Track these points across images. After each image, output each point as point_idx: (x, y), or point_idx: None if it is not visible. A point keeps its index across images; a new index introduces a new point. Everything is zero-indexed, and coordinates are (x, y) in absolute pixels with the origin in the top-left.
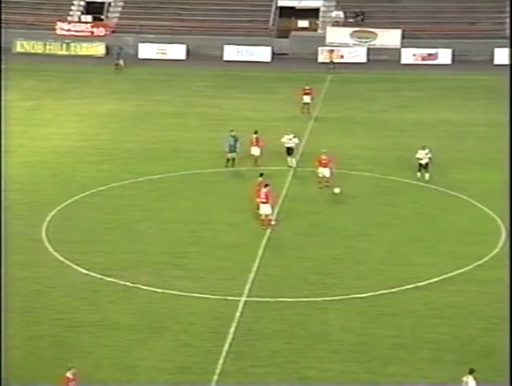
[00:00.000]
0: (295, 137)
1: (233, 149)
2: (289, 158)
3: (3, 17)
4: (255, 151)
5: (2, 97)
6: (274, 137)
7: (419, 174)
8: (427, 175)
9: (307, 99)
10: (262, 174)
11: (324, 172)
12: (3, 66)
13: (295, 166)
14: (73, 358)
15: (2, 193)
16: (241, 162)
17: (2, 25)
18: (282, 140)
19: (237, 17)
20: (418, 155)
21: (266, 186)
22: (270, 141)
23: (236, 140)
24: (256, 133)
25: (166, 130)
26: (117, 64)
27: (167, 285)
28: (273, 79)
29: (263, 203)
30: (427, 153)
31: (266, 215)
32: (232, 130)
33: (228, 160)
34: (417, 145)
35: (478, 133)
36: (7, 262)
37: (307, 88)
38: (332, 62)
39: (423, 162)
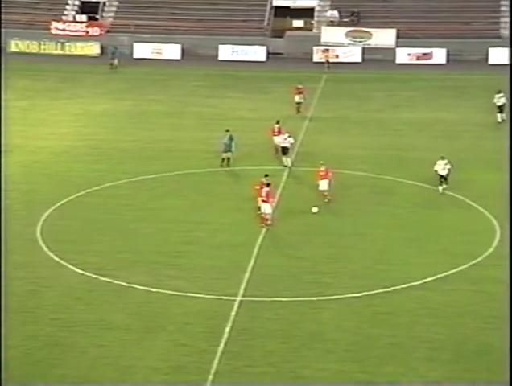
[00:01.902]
0: (289, 136)
1: (228, 149)
2: (284, 158)
3: None
4: (278, 141)
5: (2, 97)
6: (269, 137)
7: (440, 189)
8: (443, 186)
9: (299, 98)
10: (267, 175)
11: (323, 184)
12: (2, 66)
13: (290, 165)
14: (68, 358)
15: (2, 193)
16: (236, 161)
17: None
18: (278, 139)
19: (232, 17)
20: (436, 167)
21: (268, 185)
22: (266, 140)
23: (231, 139)
24: (278, 122)
25: (161, 130)
26: (111, 64)
27: (163, 285)
28: (268, 78)
29: (264, 201)
30: (446, 164)
31: (266, 214)
32: (227, 130)
33: (223, 159)
34: (412, 145)
35: (473, 132)
36: (5, 262)
37: (300, 86)
38: (328, 61)
39: (443, 173)
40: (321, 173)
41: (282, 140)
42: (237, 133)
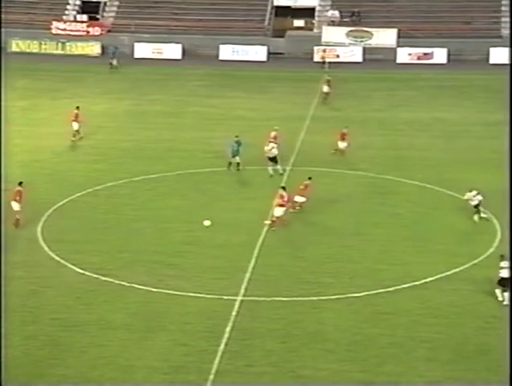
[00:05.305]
0: (274, 146)
1: (235, 154)
2: (271, 166)
3: None
4: (341, 145)
5: (2, 97)
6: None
7: (476, 218)
8: (477, 216)
9: (326, 89)
10: (310, 178)
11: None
12: (3, 66)
13: (282, 170)
14: (68, 357)
15: (2, 193)
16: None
17: None
18: (266, 148)
19: (233, 16)
20: (465, 197)
21: (284, 188)
22: (265, 140)
23: (239, 145)
24: (347, 127)
25: (161, 130)
26: (111, 64)
27: (163, 285)
28: (268, 78)
29: (281, 205)
30: (474, 196)
31: (277, 218)
32: (236, 136)
33: (230, 163)
34: (412, 144)
35: (473, 132)
36: (5, 262)
37: (329, 78)
38: (324, 62)
39: (473, 203)
40: (271, 138)
41: (268, 149)
42: (237, 133)
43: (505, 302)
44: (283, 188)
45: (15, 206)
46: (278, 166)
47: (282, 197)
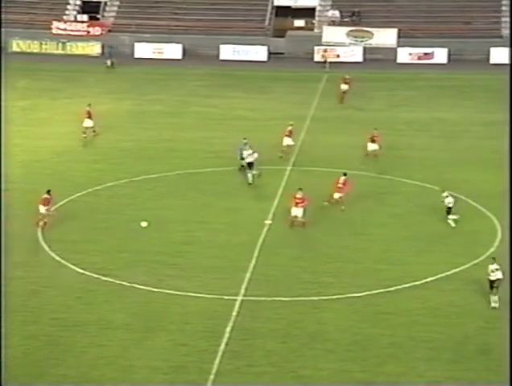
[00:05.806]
0: (254, 152)
1: (244, 156)
2: (250, 173)
3: None
4: (372, 146)
5: (2, 97)
6: (269, 137)
7: (450, 221)
8: (450, 217)
9: (345, 87)
10: (345, 174)
11: (286, 141)
12: (3, 66)
13: (258, 174)
14: (68, 357)
15: (3, 193)
16: (235, 161)
17: None
18: (245, 153)
19: (234, 16)
20: (441, 198)
21: (301, 189)
22: (266, 140)
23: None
24: (376, 129)
25: (162, 129)
26: (106, 64)
27: (163, 285)
28: (269, 78)
29: (301, 206)
30: (446, 196)
31: (296, 217)
32: (245, 138)
33: (242, 166)
34: (412, 144)
35: (473, 132)
36: (6, 262)
37: (348, 77)
38: (325, 61)
39: (448, 205)
40: (286, 132)
41: (246, 155)
42: (238, 133)
43: (495, 304)
44: (300, 189)
45: (42, 209)
46: (254, 172)
47: (300, 198)
